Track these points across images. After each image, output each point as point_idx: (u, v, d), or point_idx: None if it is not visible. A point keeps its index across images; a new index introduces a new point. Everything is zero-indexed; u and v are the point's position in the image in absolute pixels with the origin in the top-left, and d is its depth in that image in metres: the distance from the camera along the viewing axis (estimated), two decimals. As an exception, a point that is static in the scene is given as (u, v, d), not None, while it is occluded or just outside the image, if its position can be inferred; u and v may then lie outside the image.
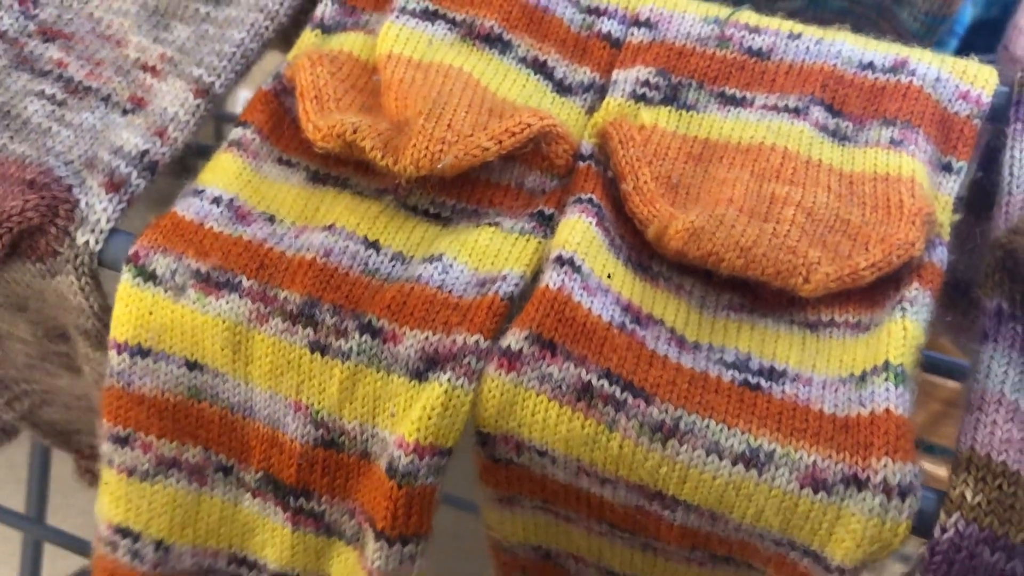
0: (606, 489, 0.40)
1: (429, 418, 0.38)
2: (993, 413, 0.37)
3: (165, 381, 0.42)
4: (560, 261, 0.40)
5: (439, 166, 0.42)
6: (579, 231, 0.41)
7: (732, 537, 0.39)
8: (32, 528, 0.81)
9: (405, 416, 0.39)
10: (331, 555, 0.44)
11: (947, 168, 0.45)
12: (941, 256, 0.42)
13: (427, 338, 0.39)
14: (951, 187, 0.44)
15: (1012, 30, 0.65)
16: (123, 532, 0.44)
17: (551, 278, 0.39)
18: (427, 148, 0.42)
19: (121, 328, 0.42)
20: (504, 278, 0.41)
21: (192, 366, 0.42)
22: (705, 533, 0.40)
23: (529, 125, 0.43)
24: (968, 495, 0.35)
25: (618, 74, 0.48)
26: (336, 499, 0.42)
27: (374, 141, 0.42)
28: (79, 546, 0.68)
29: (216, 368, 0.42)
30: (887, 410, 0.36)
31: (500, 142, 0.43)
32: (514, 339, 0.38)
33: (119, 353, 0.42)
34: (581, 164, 0.45)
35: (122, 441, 0.43)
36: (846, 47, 0.47)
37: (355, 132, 0.43)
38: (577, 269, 0.40)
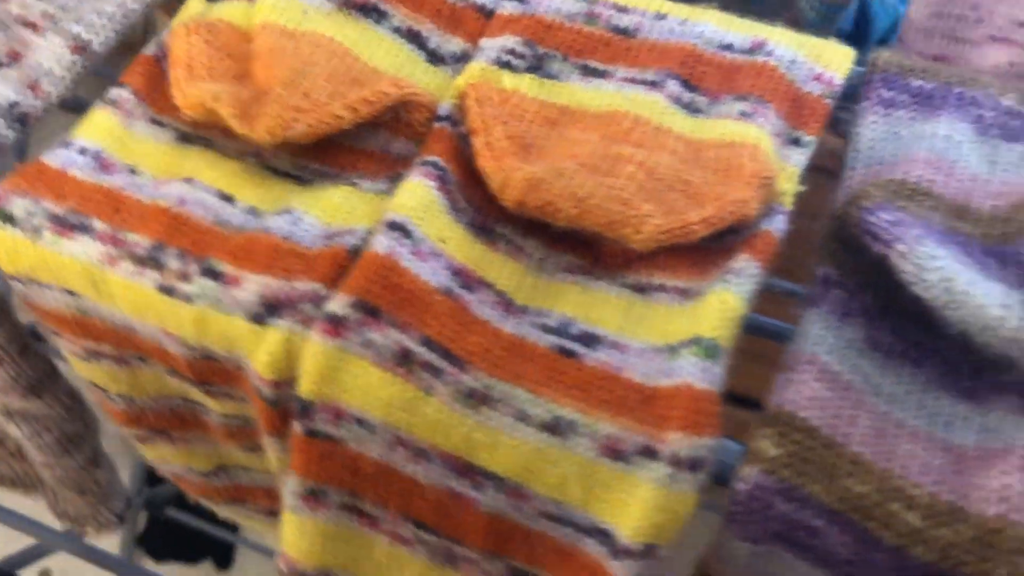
0: (420, 466, 0.41)
1: (271, 357, 0.40)
2: (804, 373, 0.39)
3: (56, 302, 0.45)
4: (391, 226, 0.41)
5: (292, 134, 0.43)
6: (416, 195, 0.42)
7: (533, 528, 0.41)
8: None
9: (252, 356, 0.41)
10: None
11: (796, 142, 0.46)
12: (779, 225, 0.43)
13: (267, 283, 0.40)
14: (799, 160, 0.46)
15: (905, 23, 0.66)
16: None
17: (380, 243, 0.40)
18: (280, 116, 0.43)
19: (2, 263, 0.44)
20: (351, 232, 0.42)
21: (71, 293, 0.44)
22: (509, 527, 0.41)
23: (387, 94, 0.45)
24: (768, 449, 0.37)
25: (485, 42, 0.49)
26: (233, 387, 0.44)
27: (233, 108, 0.44)
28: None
29: (88, 297, 0.44)
30: (688, 384, 0.37)
31: (356, 110, 0.44)
32: (339, 305, 0.39)
33: (11, 280, 0.45)
34: (436, 125, 0.46)
35: (49, 334, 0.47)
36: (709, 28, 0.49)
37: (215, 99, 0.44)
38: (408, 234, 0.41)
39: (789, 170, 0.45)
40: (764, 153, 0.44)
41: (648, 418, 0.37)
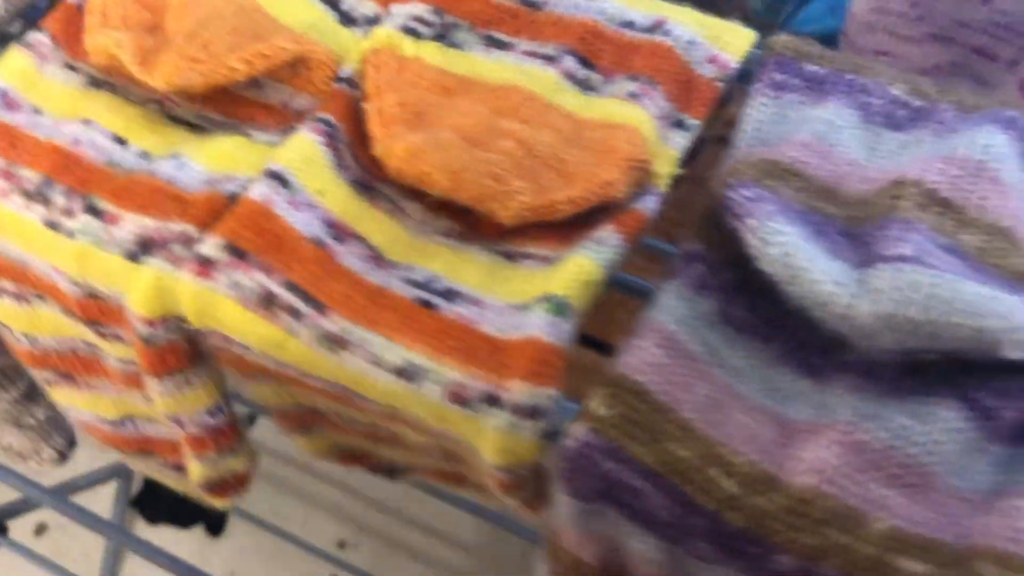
0: (309, 379, 0.43)
1: (144, 295, 0.42)
2: (648, 340, 0.40)
3: None
4: (270, 175, 0.43)
5: (187, 83, 0.45)
6: (300, 148, 0.44)
7: (420, 422, 0.42)
8: None
9: (127, 294, 0.42)
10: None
11: (679, 124, 0.47)
12: (650, 205, 0.44)
13: (144, 223, 0.42)
14: (679, 142, 0.46)
15: (848, 16, 0.67)
16: None
17: (256, 190, 0.42)
18: (177, 65, 0.45)
19: None
20: (233, 179, 0.44)
21: None
22: (408, 420, 0.43)
23: (284, 49, 0.46)
24: (598, 408, 0.38)
25: (395, 7, 0.50)
26: (120, 327, 0.46)
27: (134, 56, 0.45)
28: None
29: None
30: (535, 337, 0.38)
31: (251, 64, 0.45)
32: (209, 247, 0.41)
33: None
34: (335, 86, 0.47)
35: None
36: (612, 5, 0.50)
37: (118, 46, 0.46)
38: (286, 184, 0.42)
39: (668, 153, 0.46)
40: (641, 137, 0.45)
41: (494, 367, 0.39)
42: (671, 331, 0.40)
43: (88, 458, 1.04)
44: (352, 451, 0.54)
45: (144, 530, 1.20)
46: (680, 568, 0.39)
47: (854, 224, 0.42)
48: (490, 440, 0.38)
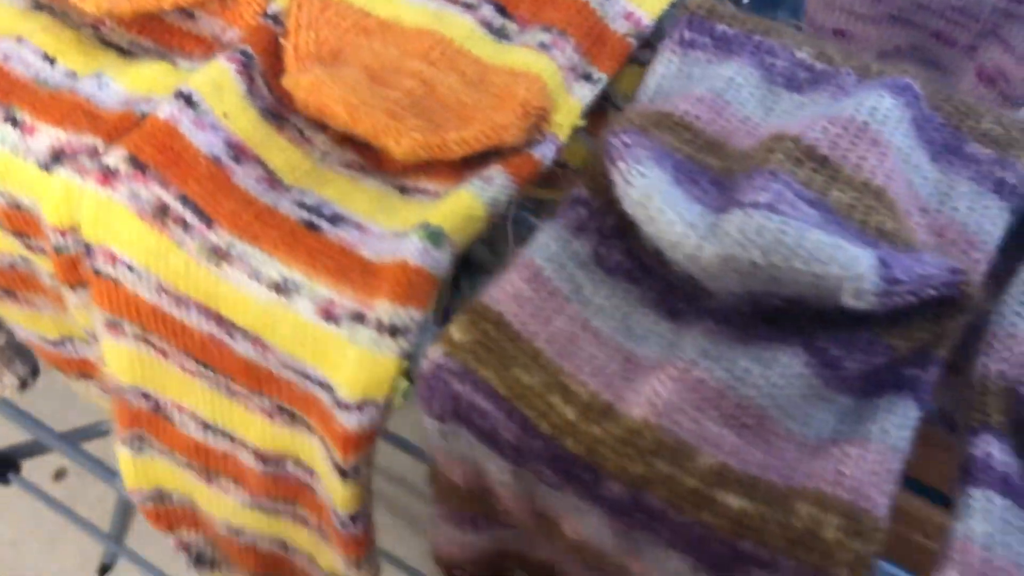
0: (182, 311, 0.45)
1: (54, 203, 0.44)
2: (515, 273, 0.41)
3: None
4: (178, 95, 0.45)
5: (114, 8, 0.47)
6: (212, 73, 0.46)
7: (280, 375, 0.44)
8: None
9: (41, 203, 0.45)
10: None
11: (587, 77, 0.48)
12: (545, 153, 0.46)
13: (57, 135, 0.44)
14: (584, 95, 0.48)
15: (808, -5, 0.67)
16: None
17: (163, 108, 0.44)
18: (107, -10, 0.47)
19: None
20: (149, 101, 0.46)
21: None
22: (264, 373, 0.45)
23: (212, -21, 0.48)
24: (455, 333, 0.39)
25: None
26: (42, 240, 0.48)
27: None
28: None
29: None
30: (405, 260, 0.40)
31: (176, -7, 0.48)
32: (112, 158, 0.43)
33: None
34: (261, 21, 0.49)
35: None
36: (534, -44, 0.51)
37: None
38: (193, 105, 0.45)
39: (571, 104, 0.47)
40: (542, 85, 0.46)
41: (363, 287, 0.40)
42: (539, 267, 0.42)
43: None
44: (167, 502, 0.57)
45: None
46: (528, 492, 0.41)
47: (728, 175, 0.43)
48: (352, 362, 0.40)
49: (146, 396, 0.52)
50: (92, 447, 0.95)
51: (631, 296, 0.42)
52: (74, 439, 0.97)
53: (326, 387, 0.42)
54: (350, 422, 0.42)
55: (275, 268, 0.41)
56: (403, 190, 0.45)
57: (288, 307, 0.41)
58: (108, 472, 0.85)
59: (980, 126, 0.45)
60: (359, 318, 0.40)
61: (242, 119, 0.46)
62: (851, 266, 0.37)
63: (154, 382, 0.50)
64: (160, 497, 0.59)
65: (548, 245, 0.42)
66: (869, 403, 0.39)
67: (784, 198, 0.39)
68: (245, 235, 0.42)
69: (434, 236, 0.41)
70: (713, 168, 0.43)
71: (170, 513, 0.60)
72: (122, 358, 0.49)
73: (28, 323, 0.60)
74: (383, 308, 0.40)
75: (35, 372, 0.81)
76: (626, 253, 0.43)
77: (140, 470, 0.58)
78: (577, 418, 0.38)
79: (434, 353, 0.39)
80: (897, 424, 0.38)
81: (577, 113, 0.47)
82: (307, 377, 0.43)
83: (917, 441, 0.39)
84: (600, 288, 0.42)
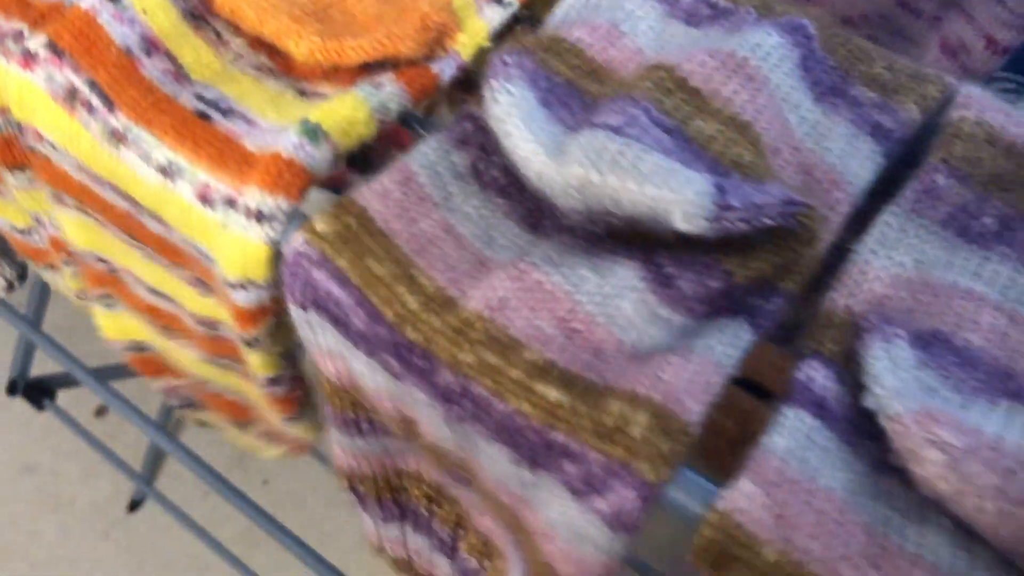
0: (101, 187, 0.48)
1: None
2: (388, 176, 0.43)
3: None
4: None
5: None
6: (138, -28, 0.49)
7: (186, 251, 0.47)
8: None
9: None
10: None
11: (499, 1, 0.50)
12: (444, 69, 0.48)
13: None
14: (494, 17, 0.49)
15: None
16: None
17: (86, 0, 0.47)
18: None
19: None
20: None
21: None
22: (171, 246, 0.48)
23: None
24: (319, 224, 0.41)
25: None
26: None
27: None
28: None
29: None
30: (278, 152, 0.43)
31: None
32: (33, 42, 0.46)
33: None
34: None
35: None
36: None
37: None
38: (115, 0, 0.47)
39: (479, 25, 0.49)
40: (447, 3, 0.48)
41: (238, 174, 0.43)
42: (413, 172, 0.44)
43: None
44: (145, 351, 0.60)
45: (188, 432, 1.26)
46: (380, 383, 0.43)
47: (599, 100, 0.44)
48: (227, 244, 0.43)
49: (102, 260, 0.56)
50: (124, 387, 0.99)
51: (499, 210, 0.44)
52: (105, 376, 1.01)
53: (216, 264, 0.45)
54: (238, 299, 0.45)
55: (163, 152, 0.44)
56: (302, 92, 0.48)
57: (173, 189, 0.44)
58: (135, 412, 0.90)
59: (871, 71, 0.46)
60: (231, 203, 0.42)
61: (160, 16, 0.48)
62: (684, 190, 0.38)
63: (102, 248, 0.54)
64: (138, 347, 0.63)
65: (427, 154, 0.44)
66: (702, 323, 0.40)
67: (637, 122, 0.40)
68: (141, 120, 0.45)
69: (311, 132, 0.43)
70: (592, 94, 0.44)
71: (150, 361, 0.65)
72: (72, 226, 0.54)
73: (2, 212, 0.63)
74: (252, 195, 0.42)
75: (22, 276, 0.86)
76: (503, 169, 0.45)
77: (115, 324, 0.62)
78: (419, 308, 0.40)
79: (296, 241, 0.42)
80: (725, 342, 0.39)
81: (484, 34, 0.49)
82: (202, 254, 0.46)
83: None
84: (471, 199, 0.44)
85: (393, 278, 0.40)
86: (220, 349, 0.57)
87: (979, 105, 0.44)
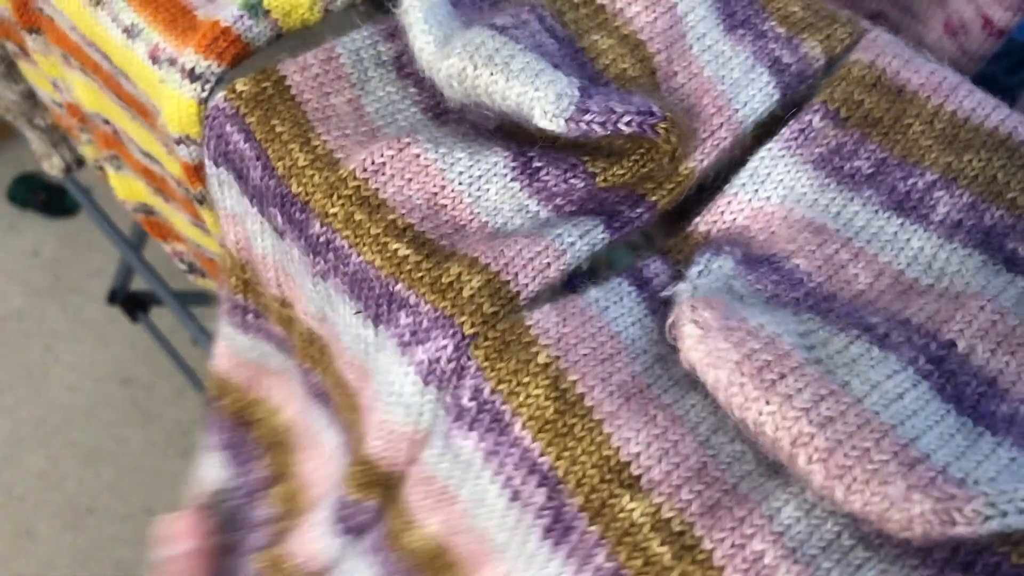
0: (89, 49, 0.54)
1: None
2: (316, 55, 0.47)
3: None
4: None
5: None
6: None
7: (148, 108, 0.53)
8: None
9: None
10: None
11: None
12: None
13: None
14: None
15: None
16: None
17: None
18: None
19: None
20: None
21: None
22: (144, 106, 0.54)
23: None
24: (240, 85, 0.46)
25: None
26: None
27: None
28: None
29: None
30: (218, 20, 0.47)
31: None
32: None
33: None
34: None
35: None
36: None
37: None
38: None
39: None
40: None
41: (183, 37, 0.48)
42: (337, 53, 0.48)
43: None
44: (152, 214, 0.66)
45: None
46: (267, 247, 0.47)
47: (504, 5, 0.47)
48: (167, 100, 0.48)
49: (106, 121, 0.62)
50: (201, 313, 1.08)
51: (410, 98, 0.47)
52: (185, 300, 1.10)
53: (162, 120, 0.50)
54: (182, 154, 0.50)
55: (128, 15, 0.49)
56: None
57: (132, 48, 0.49)
58: (206, 337, 0.98)
59: (786, 8, 0.47)
60: (172, 62, 0.47)
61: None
62: (547, 89, 0.40)
63: (104, 109, 0.61)
64: (147, 210, 0.71)
65: (355, 40, 0.48)
66: (562, 217, 0.43)
67: (527, 26, 0.43)
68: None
69: (251, 7, 0.48)
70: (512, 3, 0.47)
71: (156, 224, 0.72)
72: (80, 87, 0.60)
73: (39, 84, 0.71)
74: (188, 55, 0.47)
75: (80, 162, 0.94)
76: (424, 62, 0.48)
77: (124, 185, 0.70)
78: (306, 164, 0.44)
79: (217, 98, 0.46)
80: (575, 235, 0.42)
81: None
82: (157, 111, 0.51)
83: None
84: (386, 84, 0.48)
85: (291, 137, 0.45)
86: (197, 212, 0.62)
87: (878, 49, 0.45)
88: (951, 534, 0.31)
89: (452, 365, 0.39)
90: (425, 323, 0.39)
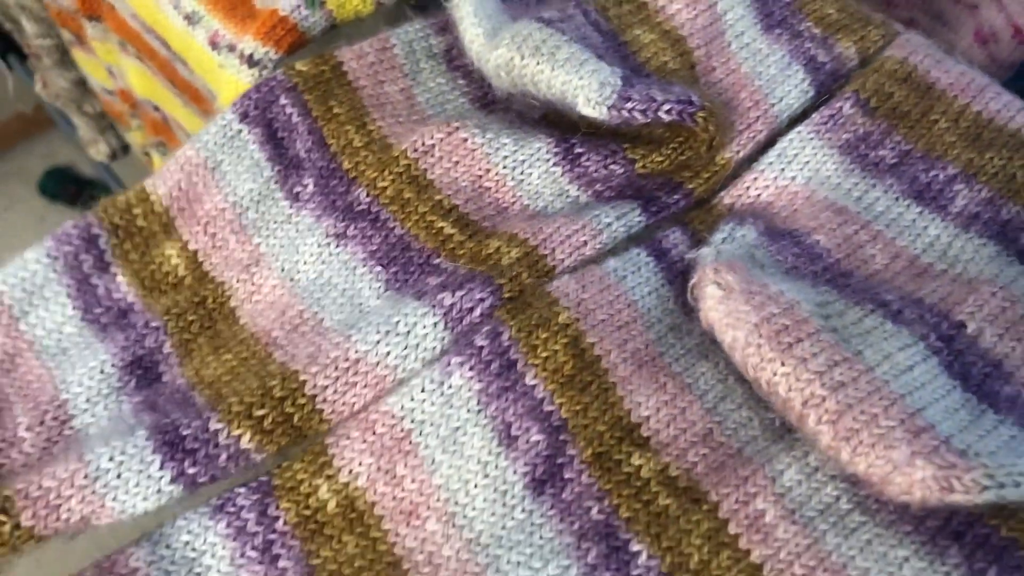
0: (148, 36, 0.57)
1: None
2: (370, 44, 0.49)
3: None
4: None
5: None
6: None
7: (203, 94, 0.55)
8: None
9: None
10: None
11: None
12: None
13: None
14: None
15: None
16: None
17: None
18: None
19: None
20: None
21: None
22: (197, 92, 0.56)
23: None
24: (301, 66, 0.48)
25: None
26: None
27: None
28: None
29: None
30: (277, 9, 0.49)
31: None
32: None
33: None
34: None
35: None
36: None
37: None
38: None
39: None
40: None
41: (242, 25, 0.50)
42: (391, 44, 0.50)
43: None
44: None
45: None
46: (248, 199, 0.47)
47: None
48: (224, 84, 0.50)
49: (156, 108, 0.65)
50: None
51: (459, 89, 0.50)
52: None
53: (218, 103, 0.52)
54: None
55: (189, 2, 0.52)
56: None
57: (193, 34, 0.52)
58: None
59: (822, 10, 0.49)
60: (232, 49, 0.50)
61: None
62: (591, 78, 0.43)
63: (156, 96, 0.63)
64: None
65: (408, 32, 0.50)
66: (600, 202, 0.45)
67: (572, 20, 0.45)
68: None
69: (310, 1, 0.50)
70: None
71: None
72: (134, 73, 0.63)
73: (93, 71, 0.74)
74: (247, 42, 0.49)
75: (126, 148, 0.97)
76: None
77: None
78: (360, 146, 0.46)
79: (276, 72, 0.48)
80: (612, 216, 0.43)
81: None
82: (213, 96, 0.53)
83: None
84: (437, 76, 0.50)
85: (348, 119, 0.47)
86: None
87: (911, 48, 0.47)
88: (948, 501, 0.32)
89: (481, 319, 0.40)
90: (459, 279, 0.41)
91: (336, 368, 0.38)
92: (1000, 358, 0.38)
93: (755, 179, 0.45)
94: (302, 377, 0.38)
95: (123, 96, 0.74)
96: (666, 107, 0.43)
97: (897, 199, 0.43)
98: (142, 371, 0.40)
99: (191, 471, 0.35)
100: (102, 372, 0.40)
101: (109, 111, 0.81)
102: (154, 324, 0.41)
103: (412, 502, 0.36)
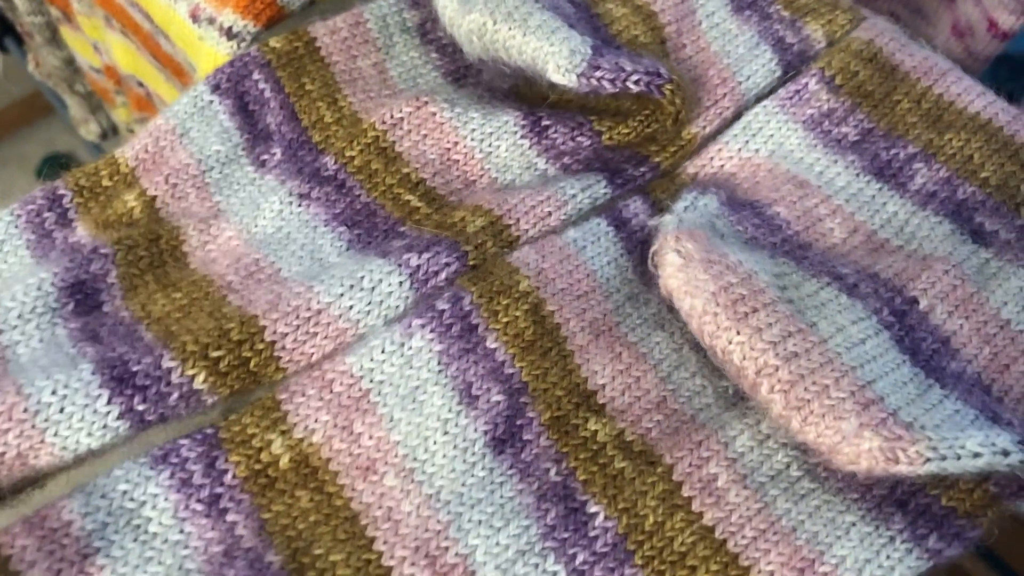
0: (132, 8, 0.58)
1: None
2: (345, 18, 0.50)
3: None
4: None
5: None
6: None
7: (184, 68, 0.56)
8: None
9: None
10: None
11: None
12: None
13: None
14: None
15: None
16: None
17: None
18: None
19: None
20: None
21: None
22: (179, 66, 0.57)
23: None
24: (274, 42, 0.49)
25: None
26: None
27: None
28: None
29: None
30: None
31: None
32: None
33: None
34: None
35: None
36: None
37: None
38: None
39: None
40: None
41: (222, 0, 0.51)
42: (364, 19, 0.51)
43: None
44: None
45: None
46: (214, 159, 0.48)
47: None
48: (203, 56, 0.51)
49: (140, 84, 0.65)
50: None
51: (432, 63, 0.50)
52: None
53: (198, 75, 0.53)
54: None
55: None
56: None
57: (175, 8, 0.52)
58: None
59: (792, -5, 0.50)
60: (212, 21, 0.51)
61: None
62: (562, 45, 0.43)
63: (140, 71, 0.64)
64: None
65: (381, 6, 0.51)
66: (567, 174, 0.45)
67: None
68: None
69: None
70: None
71: None
72: (118, 48, 0.63)
73: (80, 48, 0.74)
74: (227, 15, 0.50)
75: (115, 130, 0.98)
76: (447, 31, 0.51)
77: None
78: (331, 122, 0.47)
79: (252, 47, 0.49)
80: (577, 187, 0.44)
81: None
82: (193, 69, 0.54)
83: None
84: (410, 50, 0.50)
85: (319, 96, 0.47)
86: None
87: (877, 31, 0.47)
88: (892, 471, 0.33)
89: (445, 283, 0.40)
90: (425, 242, 0.41)
91: (297, 317, 0.38)
92: (948, 335, 0.39)
93: (719, 150, 0.45)
94: (262, 323, 0.38)
95: (108, 72, 0.75)
96: (634, 77, 0.43)
97: (858, 175, 0.44)
98: (82, 296, 0.40)
99: (140, 408, 0.35)
100: (39, 289, 0.40)
101: (95, 89, 0.82)
102: (103, 251, 0.41)
103: (369, 458, 0.37)
